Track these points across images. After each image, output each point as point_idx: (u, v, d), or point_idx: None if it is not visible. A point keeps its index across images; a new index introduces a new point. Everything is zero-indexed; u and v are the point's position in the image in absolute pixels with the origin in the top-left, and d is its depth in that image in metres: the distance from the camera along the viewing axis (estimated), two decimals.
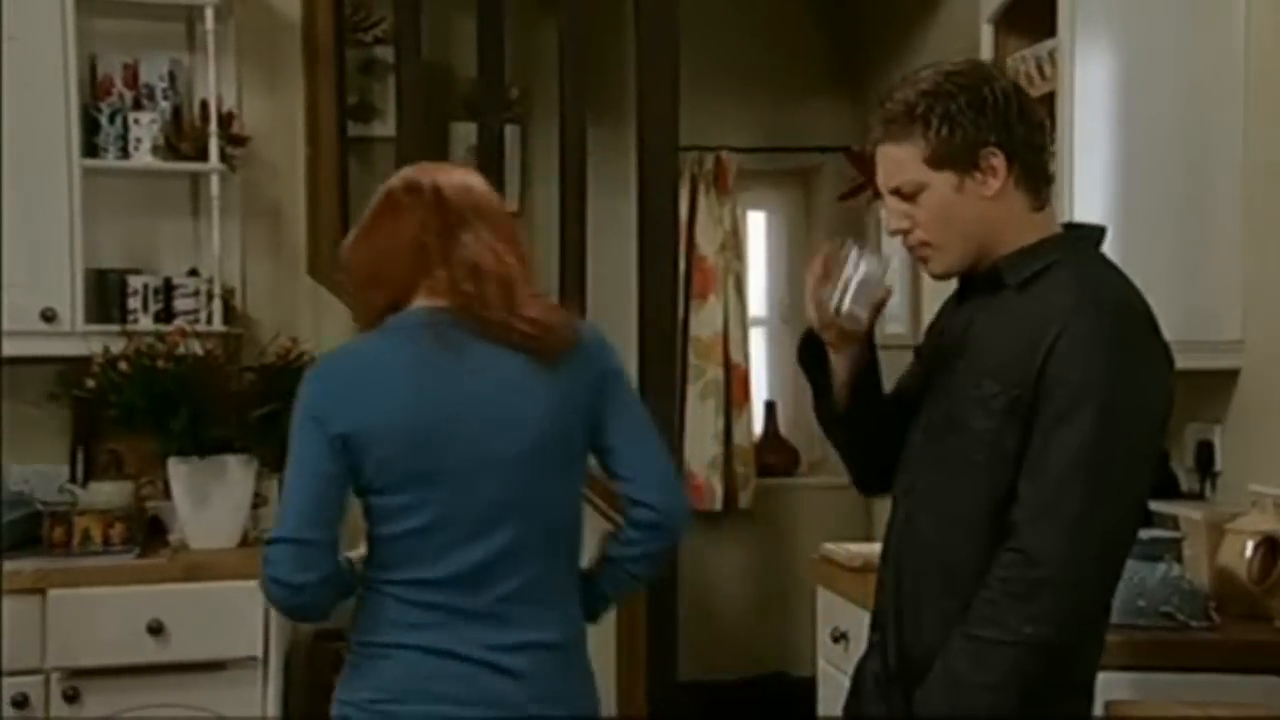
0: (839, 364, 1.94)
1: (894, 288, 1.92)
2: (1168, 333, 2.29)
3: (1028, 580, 1.70)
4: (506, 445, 1.85)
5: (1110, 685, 2.00)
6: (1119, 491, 1.74)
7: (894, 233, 1.88)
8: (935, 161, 1.80)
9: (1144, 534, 2.37)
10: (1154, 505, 2.64)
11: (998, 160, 1.80)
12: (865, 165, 4.62)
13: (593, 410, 1.94)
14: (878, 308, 1.87)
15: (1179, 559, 2.39)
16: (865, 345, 1.94)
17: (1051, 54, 2.76)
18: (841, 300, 1.84)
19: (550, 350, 1.88)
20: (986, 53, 3.07)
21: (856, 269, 1.84)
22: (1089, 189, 2.63)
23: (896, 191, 1.85)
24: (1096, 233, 1.92)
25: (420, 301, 1.89)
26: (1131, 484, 1.76)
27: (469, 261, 1.87)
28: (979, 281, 1.88)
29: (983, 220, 1.82)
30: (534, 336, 1.87)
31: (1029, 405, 1.75)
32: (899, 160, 1.83)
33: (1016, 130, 1.81)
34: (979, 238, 1.84)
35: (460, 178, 1.95)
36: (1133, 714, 1.88)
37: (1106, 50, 2.62)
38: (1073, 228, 1.93)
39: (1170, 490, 2.77)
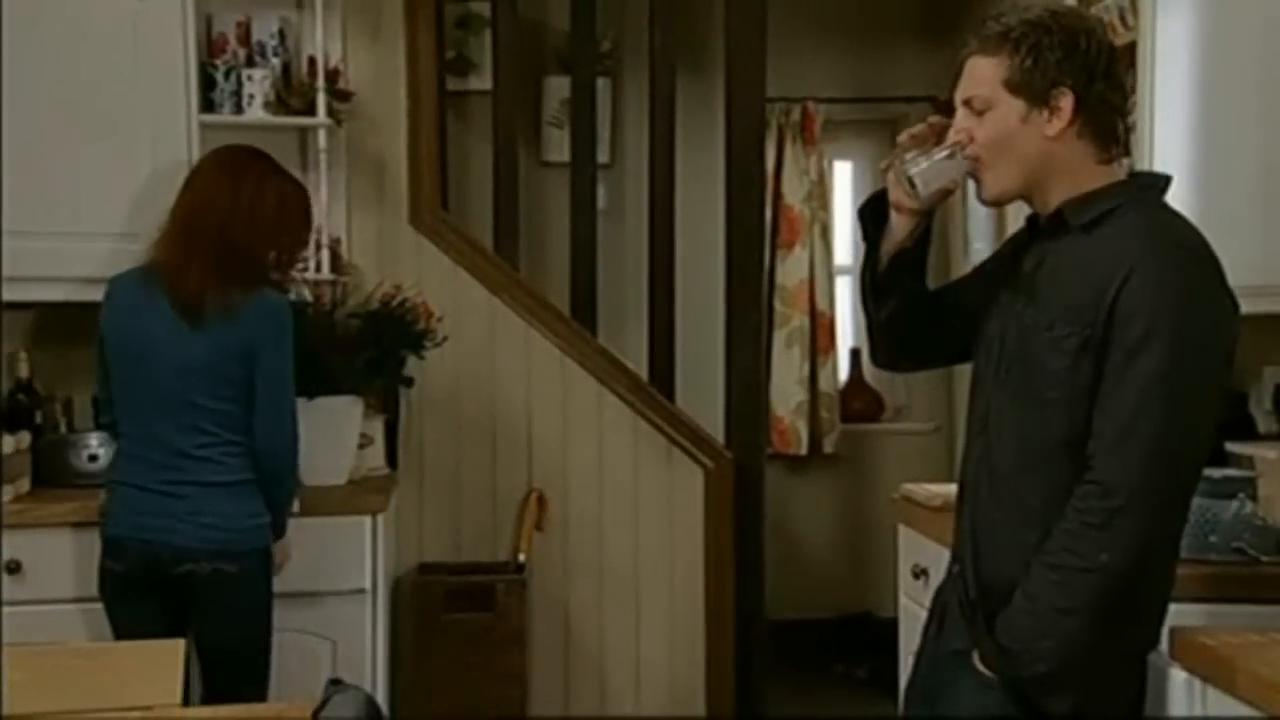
0: (896, 228, 2.05)
1: (958, 186, 2.02)
2: (1248, 277, 2.34)
3: (1103, 510, 1.79)
4: (172, 363, 2.76)
5: (1179, 615, 2.06)
6: (1189, 424, 1.81)
7: (951, 142, 1.97)
8: (1012, 86, 1.89)
9: (1217, 472, 2.45)
10: (1231, 446, 2.69)
11: (1066, 102, 1.88)
12: (951, 115, 4.65)
13: (243, 363, 2.76)
14: (942, 193, 1.98)
15: (1253, 497, 2.45)
16: (923, 227, 2.05)
17: (1134, 4, 2.79)
18: (915, 167, 1.96)
19: (196, 318, 2.75)
20: (1071, 1, 3.10)
21: (939, 151, 1.96)
22: (1169, 138, 2.66)
23: (968, 103, 1.94)
24: (1161, 181, 1.98)
25: (152, 256, 2.85)
26: (1201, 417, 1.84)
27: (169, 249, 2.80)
28: (1045, 224, 1.96)
29: (1036, 155, 1.90)
30: (189, 305, 2.75)
31: (1100, 343, 1.82)
32: (982, 73, 1.92)
33: (1096, 84, 1.88)
34: (1029, 171, 1.92)
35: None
36: (1196, 639, 1.96)
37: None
38: (1137, 176, 2.00)
39: (1248, 432, 2.82)
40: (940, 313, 2.14)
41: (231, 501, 2.79)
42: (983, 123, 1.92)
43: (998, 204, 2.02)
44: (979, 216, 4.79)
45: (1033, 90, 1.88)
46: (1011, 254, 2.06)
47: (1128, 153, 2.02)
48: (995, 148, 1.92)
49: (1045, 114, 1.89)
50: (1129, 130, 1.98)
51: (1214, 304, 1.84)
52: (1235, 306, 1.88)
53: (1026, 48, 1.88)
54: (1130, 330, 1.80)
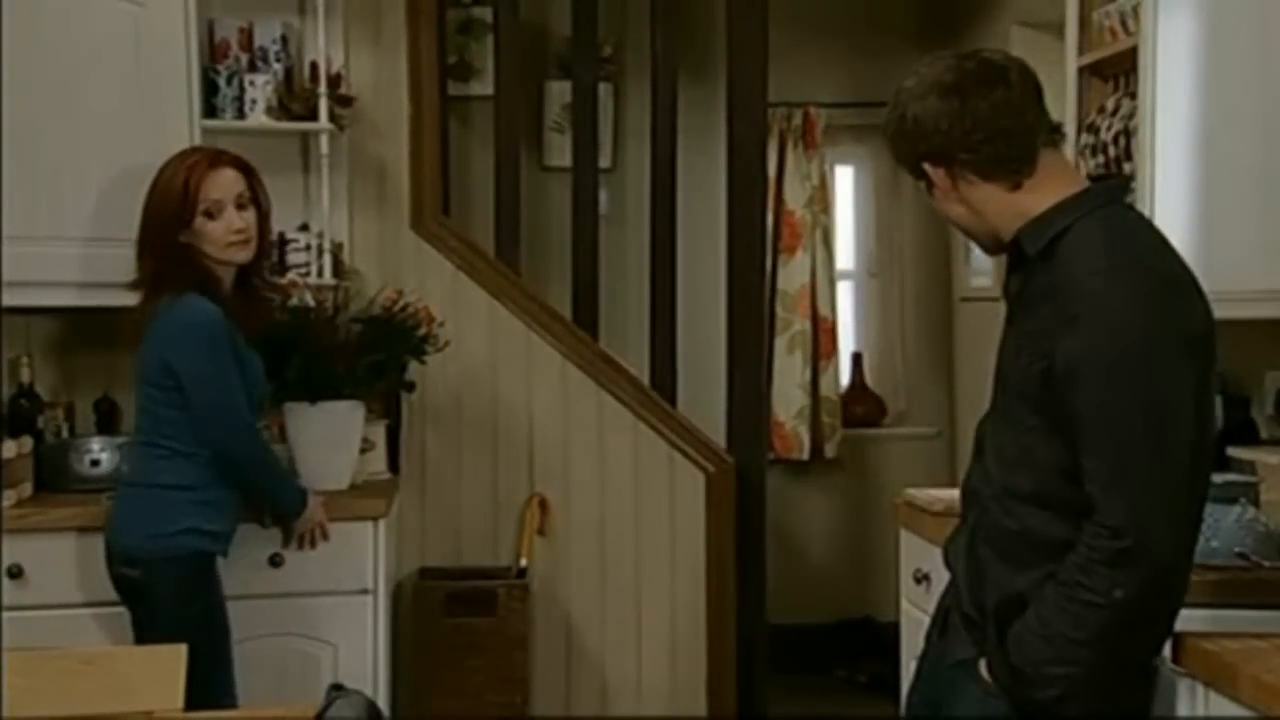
0: None
1: None
2: (1248, 282, 2.34)
3: (1113, 550, 1.77)
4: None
5: (1181, 620, 2.06)
6: (1179, 446, 1.79)
7: None
8: (907, 168, 2.00)
9: (1219, 477, 2.44)
10: (1232, 450, 2.69)
11: (937, 171, 1.93)
12: None
13: (163, 370, 2.81)
14: None
15: (1255, 502, 2.45)
16: None
17: (1135, 9, 2.80)
18: None
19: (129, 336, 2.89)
20: (1071, 7, 3.10)
21: None
22: (1169, 142, 2.66)
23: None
24: (1117, 188, 1.98)
25: None
26: (1191, 435, 1.80)
27: None
28: (1010, 253, 1.97)
29: (965, 214, 1.96)
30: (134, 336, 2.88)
31: (1064, 375, 1.80)
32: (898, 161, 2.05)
33: (942, 138, 1.90)
34: (976, 228, 1.97)
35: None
36: (1199, 644, 1.97)
37: (1189, 5, 2.64)
38: (1099, 180, 1.98)
39: (1249, 437, 2.82)
40: None
41: (146, 505, 2.83)
42: (933, 197, 1.99)
43: (992, 254, 2.05)
44: None
45: (914, 174, 1.98)
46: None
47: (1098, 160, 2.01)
48: (952, 221, 1.99)
49: (934, 186, 1.95)
50: (1055, 138, 1.96)
51: (1171, 319, 1.80)
52: (1203, 308, 1.84)
53: (889, 143, 2.00)
54: (1097, 365, 1.78)
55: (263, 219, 2.94)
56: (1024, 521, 1.90)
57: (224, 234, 2.85)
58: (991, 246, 2.00)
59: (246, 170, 2.92)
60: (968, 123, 1.89)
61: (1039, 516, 1.89)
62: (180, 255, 2.83)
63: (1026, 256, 1.91)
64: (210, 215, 2.84)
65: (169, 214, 2.83)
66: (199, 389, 2.79)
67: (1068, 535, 1.84)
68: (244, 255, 2.90)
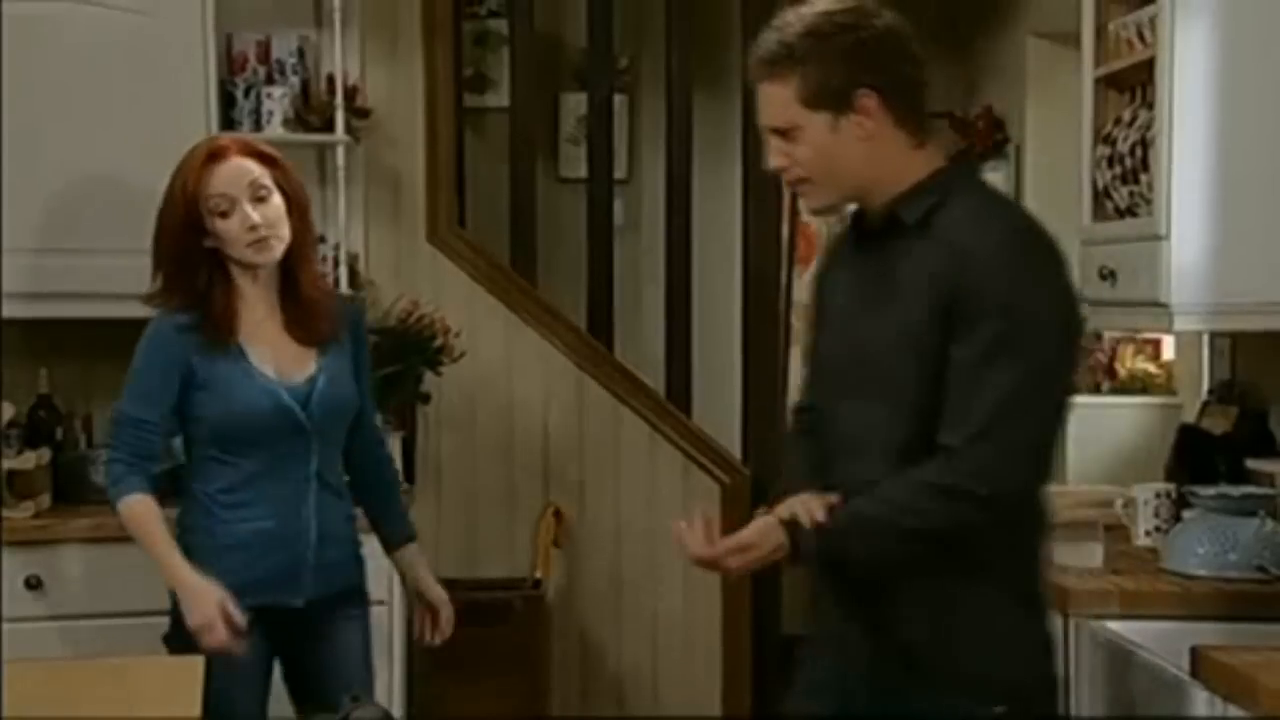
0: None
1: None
2: (1266, 293, 2.35)
3: (961, 490, 1.77)
4: None
5: (1198, 633, 2.07)
6: (1052, 409, 1.81)
7: (773, 170, 1.93)
8: (810, 102, 1.84)
9: (1237, 490, 2.45)
10: (1251, 463, 2.69)
11: (870, 101, 1.83)
12: (967, 130, 4.65)
13: None
14: None
15: (1273, 515, 2.44)
16: None
17: (1152, 20, 2.79)
18: None
19: None
20: (1088, 17, 3.09)
21: None
22: (1186, 153, 2.65)
23: (775, 130, 1.89)
24: (975, 165, 2.01)
25: None
26: (1062, 401, 1.82)
27: None
28: (877, 225, 1.91)
29: (860, 159, 1.85)
30: None
31: (945, 331, 1.78)
32: (776, 100, 1.87)
33: (892, 70, 1.84)
34: (857, 176, 1.87)
35: None
36: (1217, 657, 1.96)
37: (1206, 16, 2.64)
38: (956, 160, 1.99)
39: (1268, 449, 2.80)
40: None
41: None
42: (796, 145, 1.87)
43: (825, 213, 2.01)
44: None
45: (832, 101, 1.83)
46: (842, 268, 2.01)
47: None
48: (817, 164, 1.87)
49: (854, 118, 1.84)
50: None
51: (1050, 280, 1.82)
52: (1071, 282, 1.88)
53: (814, 61, 1.83)
54: (971, 322, 1.76)
55: (297, 212, 2.52)
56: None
57: (239, 232, 2.44)
58: (834, 201, 1.92)
59: (265, 158, 2.50)
60: (915, 57, 1.86)
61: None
62: (188, 267, 2.48)
63: (901, 227, 1.85)
64: (225, 214, 2.44)
65: (176, 222, 2.47)
66: None
67: None
68: (265, 258, 2.47)
